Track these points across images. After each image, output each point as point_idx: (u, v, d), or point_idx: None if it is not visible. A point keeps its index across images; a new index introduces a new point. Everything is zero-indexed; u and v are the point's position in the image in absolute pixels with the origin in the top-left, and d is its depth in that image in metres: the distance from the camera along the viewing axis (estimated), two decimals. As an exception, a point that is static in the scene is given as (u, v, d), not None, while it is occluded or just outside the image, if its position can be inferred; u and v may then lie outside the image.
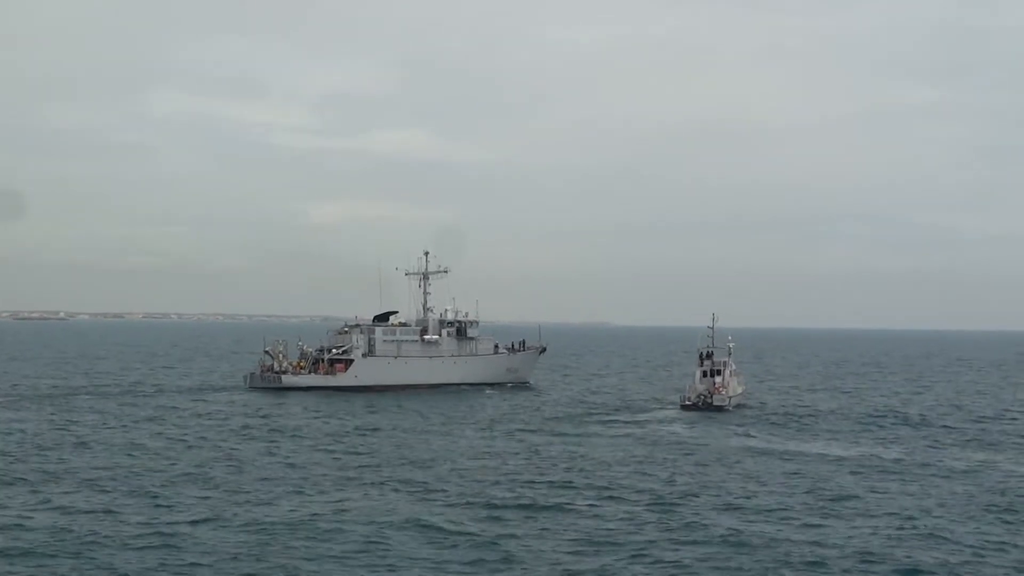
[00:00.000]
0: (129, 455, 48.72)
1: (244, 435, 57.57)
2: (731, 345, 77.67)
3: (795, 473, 45.41)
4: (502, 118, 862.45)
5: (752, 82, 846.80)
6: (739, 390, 78.14)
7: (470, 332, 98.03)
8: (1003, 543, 32.30)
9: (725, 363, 76.32)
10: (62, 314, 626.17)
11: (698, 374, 76.29)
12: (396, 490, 40.54)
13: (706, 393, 73.78)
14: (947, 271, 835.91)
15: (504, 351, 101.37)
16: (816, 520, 35.25)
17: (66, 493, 38.68)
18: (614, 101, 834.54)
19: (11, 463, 45.80)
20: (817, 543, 31.73)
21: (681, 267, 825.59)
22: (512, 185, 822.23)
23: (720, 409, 72.22)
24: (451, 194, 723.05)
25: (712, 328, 76.98)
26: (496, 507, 37.23)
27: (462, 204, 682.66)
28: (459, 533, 32.73)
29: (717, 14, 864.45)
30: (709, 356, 76.01)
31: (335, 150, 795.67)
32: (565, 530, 33.39)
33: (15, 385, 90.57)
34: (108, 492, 39.07)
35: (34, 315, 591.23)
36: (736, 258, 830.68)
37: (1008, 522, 35.34)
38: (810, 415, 72.72)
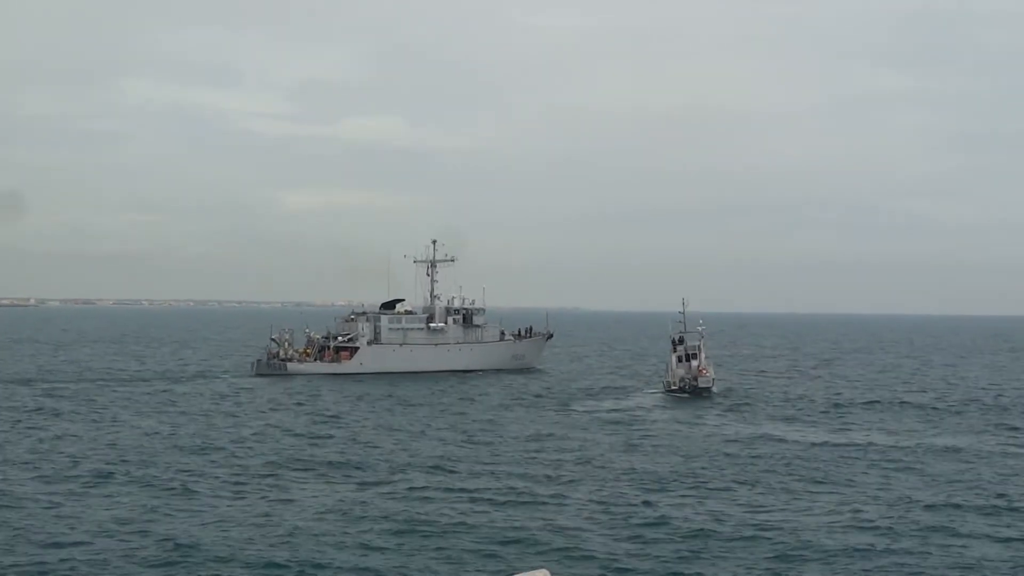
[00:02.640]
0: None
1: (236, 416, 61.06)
2: (701, 329, 77.78)
3: (797, 457, 46.61)
4: (476, 105, 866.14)
5: (727, 69, 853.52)
6: (712, 374, 79.58)
7: (476, 319, 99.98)
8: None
9: (699, 347, 77.67)
10: (32, 301, 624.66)
11: (673, 359, 77.77)
12: (358, 476, 41.50)
13: (690, 377, 75.86)
14: (921, 258, 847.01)
15: (510, 338, 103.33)
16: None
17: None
18: (588, 88, 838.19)
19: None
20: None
21: (655, 253, 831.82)
22: (488, 172, 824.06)
23: (705, 392, 74.76)
24: (426, 181, 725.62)
25: (683, 313, 77.37)
26: (479, 492, 37.64)
27: (437, 191, 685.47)
28: (429, 521, 32.91)
29: (692, 1, 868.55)
30: (682, 341, 77.44)
31: (309, 137, 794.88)
32: (562, 519, 33.27)
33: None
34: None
35: (4, 301, 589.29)
36: (711, 244, 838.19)
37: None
38: (788, 398, 75.35)
